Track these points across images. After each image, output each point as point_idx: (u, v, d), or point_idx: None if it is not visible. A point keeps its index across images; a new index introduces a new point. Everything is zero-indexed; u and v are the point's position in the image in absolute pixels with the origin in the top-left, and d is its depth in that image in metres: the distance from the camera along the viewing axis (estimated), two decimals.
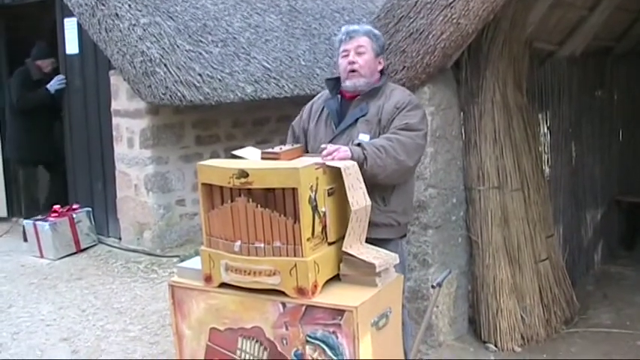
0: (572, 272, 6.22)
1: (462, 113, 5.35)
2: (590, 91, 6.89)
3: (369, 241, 3.67)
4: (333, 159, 3.54)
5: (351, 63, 4.03)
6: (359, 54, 4.03)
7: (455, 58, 5.11)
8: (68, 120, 8.74)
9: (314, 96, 4.45)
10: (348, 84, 4.06)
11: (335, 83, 4.17)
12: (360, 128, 3.97)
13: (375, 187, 3.77)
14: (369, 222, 3.64)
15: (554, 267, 5.71)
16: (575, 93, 6.56)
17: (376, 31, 4.20)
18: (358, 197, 3.49)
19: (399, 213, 4.04)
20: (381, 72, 4.17)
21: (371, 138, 3.89)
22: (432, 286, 3.82)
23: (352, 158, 3.60)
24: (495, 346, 5.26)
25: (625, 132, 7.59)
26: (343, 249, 3.51)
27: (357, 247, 3.56)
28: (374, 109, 3.98)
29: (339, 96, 4.14)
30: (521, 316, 5.36)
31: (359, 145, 3.72)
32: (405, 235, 4.27)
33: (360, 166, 3.60)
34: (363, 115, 3.99)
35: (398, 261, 3.64)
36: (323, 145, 3.68)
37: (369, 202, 3.54)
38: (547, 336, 5.50)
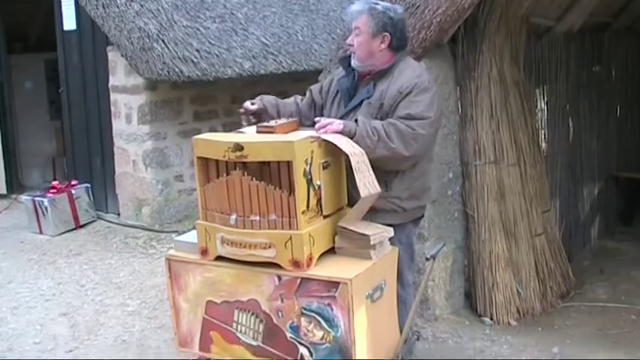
0: (568, 247, 6.24)
1: (458, 88, 5.34)
2: (587, 67, 6.86)
3: None
4: (325, 132, 3.54)
5: (349, 45, 3.96)
6: (356, 35, 3.90)
7: (451, 32, 5.09)
8: (66, 96, 8.74)
9: (311, 72, 4.42)
10: (352, 62, 3.97)
11: (349, 61, 4.02)
12: (363, 111, 3.84)
13: (378, 171, 3.63)
14: (370, 207, 3.64)
15: (550, 241, 5.72)
16: (573, 69, 6.54)
17: (380, 6, 3.91)
18: (367, 184, 3.48)
19: (404, 199, 3.88)
20: (398, 49, 3.93)
21: None
22: (427, 259, 3.82)
23: (342, 132, 3.57)
24: (491, 319, 5.27)
25: (622, 108, 7.57)
26: (339, 224, 3.53)
27: (352, 222, 3.58)
28: (378, 92, 3.84)
29: (354, 73, 4.02)
30: (517, 290, 5.37)
31: (356, 120, 3.67)
32: (418, 219, 4.13)
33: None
34: (367, 98, 3.88)
35: (392, 233, 3.65)
36: (317, 118, 3.69)
37: (378, 189, 3.54)
38: (543, 310, 5.51)
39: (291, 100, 4.32)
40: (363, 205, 3.54)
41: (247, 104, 4.10)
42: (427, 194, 4.12)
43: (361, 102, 3.88)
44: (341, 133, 3.57)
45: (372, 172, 3.53)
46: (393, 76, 3.85)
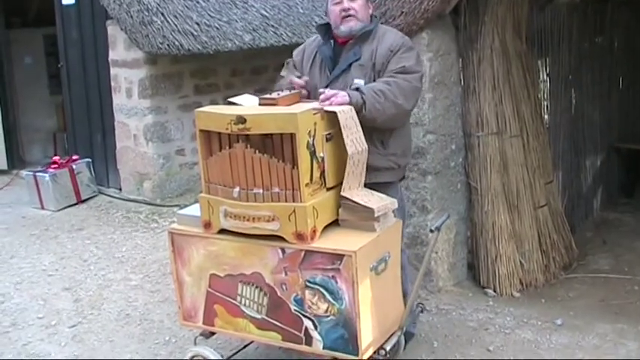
0: (571, 218, 6.22)
1: (460, 59, 5.31)
2: (590, 38, 6.81)
3: (370, 185, 3.69)
4: (331, 104, 3.53)
5: (346, 10, 3.97)
6: (351, 0, 3.98)
7: (453, 3, 5.04)
8: (66, 71, 8.70)
9: None
10: (343, 29, 3.99)
11: (327, 29, 4.12)
12: (355, 73, 3.93)
13: (374, 131, 3.78)
14: (370, 166, 3.67)
15: (553, 213, 5.71)
16: (575, 40, 6.49)
17: None
18: (355, 141, 3.49)
19: (399, 155, 4.03)
20: (371, 15, 4.14)
21: (366, 83, 3.85)
22: (431, 230, 3.81)
23: (350, 103, 3.59)
24: (494, 291, 5.27)
25: (625, 79, 7.53)
26: (341, 193, 3.52)
27: (355, 191, 3.56)
28: (367, 54, 3.95)
29: (332, 41, 4.10)
30: (520, 262, 5.37)
31: (357, 89, 3.70)
32: (403, 178, 4.30)
33: (359, 111, 3.61)
34: (356, 60, 3.96)
35: (397, 206, 3.66)
36: (321, 90, 3.68)
37: (365, 146, 3.54)
38: (546, 281, 5.51)
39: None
40: (355, 167, 3.53)
41: (295, 79, 4.07)
42: (410, 153, 4.34)
43: (349, 66, 3.96)
44: (349, 104, 3.58)
45: (360, 128, 3.56)
46: (378, 38, 4.00)
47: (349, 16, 3.97)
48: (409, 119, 4.19)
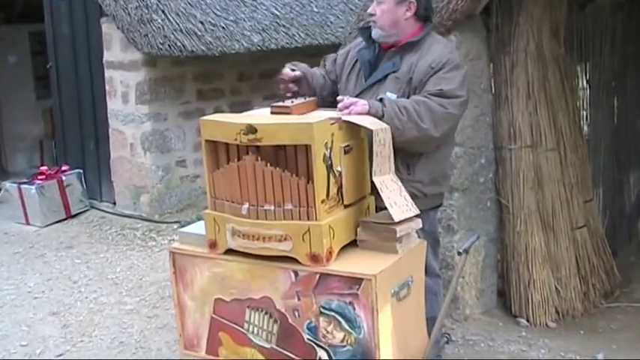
0: (612, 241, 6.22)
1: (491, 64, 5.34)
2: (635, 40, 6.83)
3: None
4: (349, 113, 3.55)
5: (370, 15, 3.99)
6: (379, 3, 3.94)
7: (484, 3, 5.07)
8: (56, 73, 8.77)
9: (327, 46, 4.44)
10: (373, 34, 4.00)
11: (370, 32, 4.06)
12: (389, 86, 3.87)
13: (400, 152, 3.70)
14: None
15: (592, 234, 5.72)
16: (619, 42, 6.51)
17: None
18: (375, 123, 3.51)
19: (426, 184, 3.95)
20: (425, 20, 4.01)
21: (398, 98, 3.80)
22: (458, 253, 3.82)
23: (369, 113, 3.58)
24: (527, 321, 5.29)
25: None
26: (372, 178, 3.50)
27: (386, 178, 3.56)
28: (406, 66, 3.88)
29: (376, 45, 4.06)
30: (556, 289, 5.38)
31: (380, 100, 3.68)
32: (438, 206, 4.21)
33: None
34: (394, 72, 3.91)
35: (420, 226, 3.66)
36: (340, 97, 3.68)
37: (386, 126, 3.54)
38: (584, 311, 5.52)
39: (317, 71, 4.32)
40: (382, 147, 3.49)
41: (288, 71, 4.10)
42: (447, 181, 4.26)
43: (385, 76, 3.91)
44: (367, 114, 3.58)
45: (392, 153, 3.54)
46: (423, 49, 3.89)
47: (374, 22, 3.96)
48: (446, 147, 4.07)
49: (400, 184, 3.60)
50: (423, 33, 3.95)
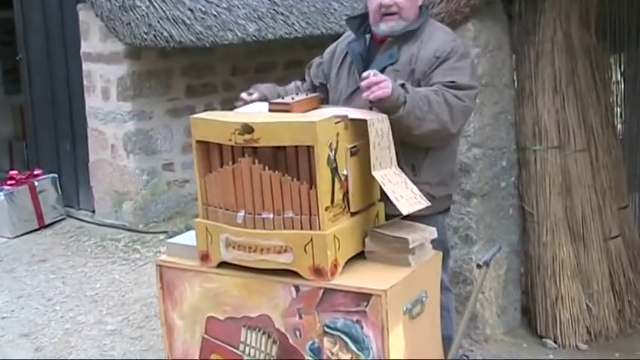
0: None
1: (514, 56, 5.36)
2: None
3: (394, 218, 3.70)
4: (372, 93, 3.50)
5: (387, 6, 3.93)
6: None
7: None
8: (26, 66, 8.80)
9: (330, 36, 4.44)
10: (383, 28, 3.97)
11: (360, 22, 4.10)
12: None
13: (405, 150, 3.74)
14: None
15: (627, 246, 5.72)
16: None
17: None
18: (383, 159, 3.52)
19: (434, 185, 3.98)
20: (420, 7, 4.06)
21: None
22: (478, 266, 3.84)
23: (391, 97, 3.53)
24: (555, 342, 5.30)
25: None
26: (372, 172, 3.49)
27: (388, 172, 3.57)
28: (406, 57, 3.91)
29: (367, 36, 4.09)
30: (587, 306, 5.38)
31: (402, 85, 3.63)
32: (446, 210, 4.26)
33: (395, 111, 3.57)
34: (392, 64, 3.92)
35: (435, 235, 3.69)
36: (365, 74, 3.58)
37: (384, 115, 3.56)
38: (619, 331, 5.52)
39: (291, 86, 4.38)
40: (380, 138, 3.49)
41: (244, 95, 4.13)
42: (455, 181, 4.31)
43: (382, 70, 3.87)
44: (389, 98, 3.52)
45: (392, 146, 3.56)
46: (423, 38, 3.94)
47: (391, 13, 3.93)
48: (455, 143, 4.14)
49: (404, 176, 3.61)
50: (422, 20, 3.98)
